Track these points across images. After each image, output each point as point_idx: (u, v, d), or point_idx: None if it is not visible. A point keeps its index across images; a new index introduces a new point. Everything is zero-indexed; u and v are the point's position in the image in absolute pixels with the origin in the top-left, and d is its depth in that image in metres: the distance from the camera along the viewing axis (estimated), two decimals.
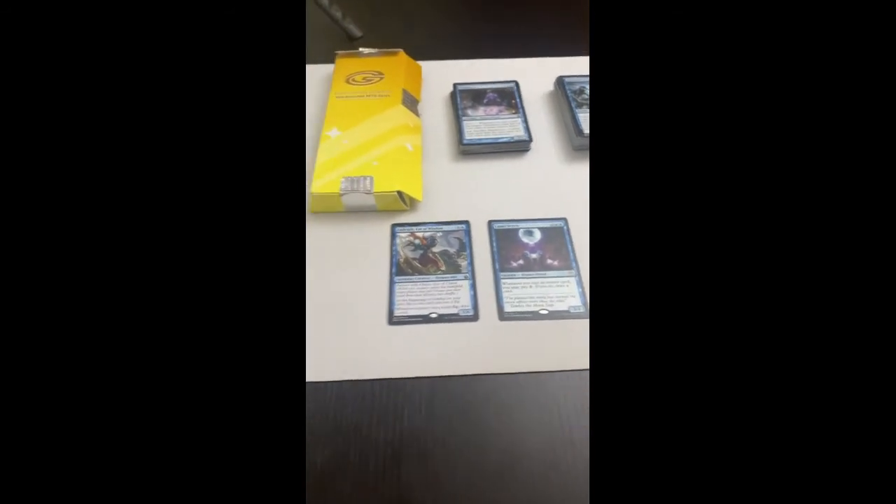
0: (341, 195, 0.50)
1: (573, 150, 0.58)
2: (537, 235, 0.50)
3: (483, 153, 0.58)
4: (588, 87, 0.62)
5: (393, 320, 0.45)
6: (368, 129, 0.55)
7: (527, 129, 0.58)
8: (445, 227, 0.51)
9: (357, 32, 0.74)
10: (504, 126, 0.58)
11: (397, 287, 0.47)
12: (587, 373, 0.42)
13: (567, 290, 0.46)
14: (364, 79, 0.61)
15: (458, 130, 0.58)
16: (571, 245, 0.49)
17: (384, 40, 0.73)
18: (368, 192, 0.50)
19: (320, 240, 0.50)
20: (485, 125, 0.59)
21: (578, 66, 0.68)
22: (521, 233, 0.51)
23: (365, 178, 0.51)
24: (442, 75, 0.67)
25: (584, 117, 0.58)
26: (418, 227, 0.51)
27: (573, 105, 0.59)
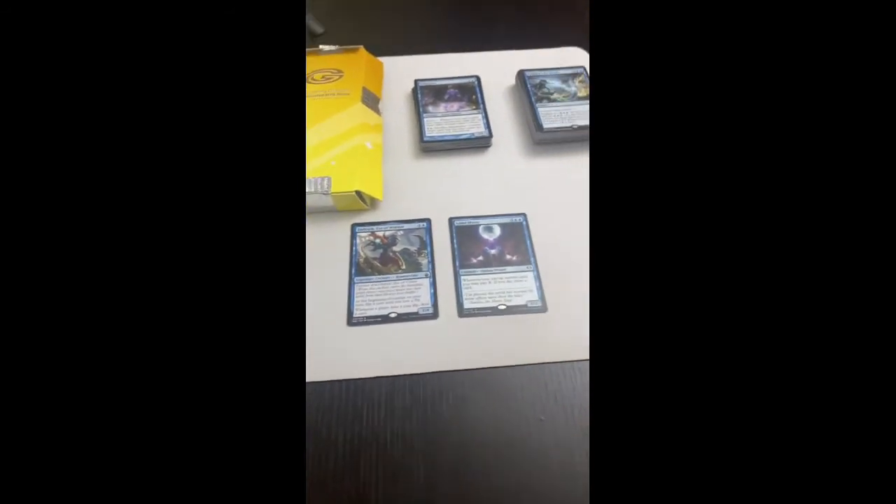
0: None
1: (533, 144, 0.58)
2: (497, 231, 0.51)
3: (444, 150, 0.58)
4: (548, 80, 0.62)
5: (352, 321, 0.45)
6: (327, 129, 0.55)
7: (487, 125, 0.58)
8: (406, 226, 0.51)
9: (319, 29, 0.73)
10: (465, 122, 0.59)
11: (357, 288, 0.47)
12: (545, 367, 0.43)
13: (525, 285, 0.47)
14: (323, 77, 0.61)
15: (419, 128, 0.58)
16: (530, 240, 0.50)
17: (347, 37, 0.72)
18: (326, 193, 0.50)
19: None
20: (445, 122, 0.59)
21: (541, 58, 0.68)
22: (481, 229, 0.51)
23: (322, 178, 0.50)
24: (404, 71, 0.66)
25: (543, 112, 0.58)
26: (379, 227, 0.51)
27: (533, 100, 0.59)
